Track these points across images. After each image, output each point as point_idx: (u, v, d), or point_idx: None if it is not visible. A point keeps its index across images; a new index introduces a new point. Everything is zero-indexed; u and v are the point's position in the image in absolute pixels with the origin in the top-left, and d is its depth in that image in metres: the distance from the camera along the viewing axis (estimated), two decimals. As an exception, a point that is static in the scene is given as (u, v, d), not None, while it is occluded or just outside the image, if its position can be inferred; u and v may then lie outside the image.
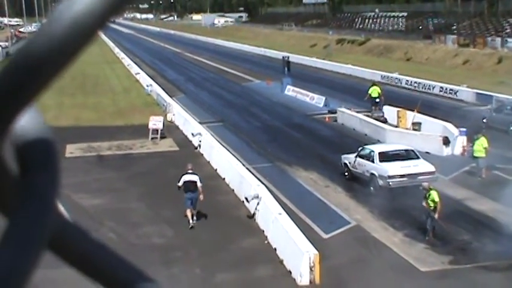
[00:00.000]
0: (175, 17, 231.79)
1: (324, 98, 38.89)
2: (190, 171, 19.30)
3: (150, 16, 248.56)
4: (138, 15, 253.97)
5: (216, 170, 24.46)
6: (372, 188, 21.44)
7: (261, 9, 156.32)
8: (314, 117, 35.64)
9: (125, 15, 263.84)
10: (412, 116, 30.72)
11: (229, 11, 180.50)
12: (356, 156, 22.56)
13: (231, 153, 25.19)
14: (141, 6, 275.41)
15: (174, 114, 34.65)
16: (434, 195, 17.52)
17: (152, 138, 29.79)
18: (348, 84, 48.61)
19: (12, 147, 0.52)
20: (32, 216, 0.48)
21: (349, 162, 22.96)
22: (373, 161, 21.67)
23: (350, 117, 32.52)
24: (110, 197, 21.60)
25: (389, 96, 35.82)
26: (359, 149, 22.94)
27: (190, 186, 18.85)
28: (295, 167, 25.02)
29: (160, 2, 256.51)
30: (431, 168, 21.23)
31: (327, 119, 34.12)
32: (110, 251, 0.64)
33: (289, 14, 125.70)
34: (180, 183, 18.93)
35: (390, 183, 20.76)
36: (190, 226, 18.54)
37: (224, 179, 23.19)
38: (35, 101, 0.49)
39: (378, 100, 34.51)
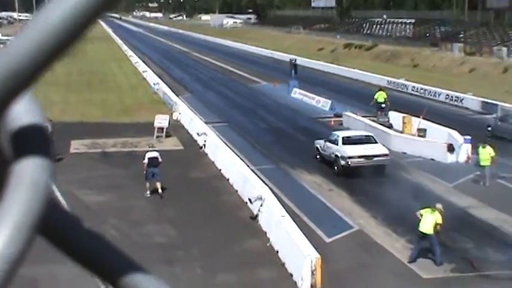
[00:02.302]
0: (184, 16, 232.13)
1: (330, 102, 38.88)
2: (151, 149, 23.13)
3: (160, 15, 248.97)
4: (147, 14, 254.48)
5: (220, 170, 24.45)
6: (335, 167, 24.60)
7: (269, 12, 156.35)
8: (320, 120, 35.62)
9: (135, 14, 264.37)
10: (417, 122, 30.67)
11: (238, 12, 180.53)
12: (325, 141, 25.89)
13: (235, 153, 25.18)
14: (150, 5, 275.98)
15: (180, 113, 34.66)
16: (438, 217, 16.46)
17: (157, 137, 29.80)
18: (355, 88, 48.57)
19: (7, 132, 0.53)
20: (23, 201, 0.48)
21: (320, 146, 26.20)
22: (337, 144, 24.93)
23: (355, 121, 32.48)
24: (113, 194, 21.60)
25: (395, 102, 35.78)
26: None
27: (153, 161, 21.64)
28: (299, 170, 24.99)
29: (170, 2, 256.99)
30: (385, 151, 24.72)
31: (332, 123, 34.10)
32: (104, 241, 0.64)
33: (298, 17, 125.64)
34: (145, 160, 21.74)
35: (350, 163, 24.03)
36: (147, 195, 21.31)
37: (228, 179, 23.17)
38: (30, 87, 0.49)
39: (383, 105, 34.50)
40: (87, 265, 0.63)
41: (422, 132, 29.85)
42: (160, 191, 21.34)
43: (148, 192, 21.46)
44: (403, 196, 20.66)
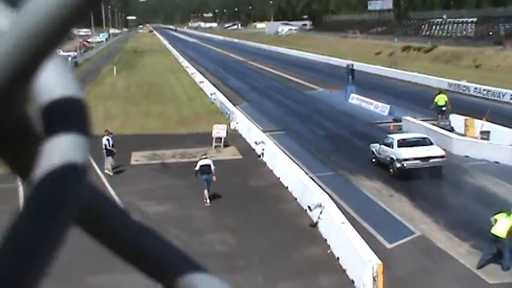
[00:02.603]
0: (239, 25, 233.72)
1: (388, 107, 38.42)
2: (204, 157, 22.94)
3: (214, 25, 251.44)
4: (202, 24, 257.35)
5: (279, 178, 24.42)
6: (391, 170, 24.69)
7: (325, 17, 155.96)
8: (378, 125, 35.22)
9: (190, 24, 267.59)
10: (480, 125, 30.01)
11: (293, 19, 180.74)
12: (380, 144, 26.01)
13: (294, 161, 25.12)
14: (205, 15, 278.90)
15: (237, 123, 34.81)
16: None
17: (216, 147, 29.99)
18: (414, 92, 47.89)
19: (37, 105, 0.49)
20: (55, 183, 0.44)
21: (375, 150, 26.32)
22: (392, 147, 25.04)
23: (415, 125, 31.97)
24: (173, 204, 21.83)
25: (456, 104, 35.11)
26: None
27: (205, 169, 22.01)
28: (358, 176, 24.76)
29: (224, 11, 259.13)
30: (442, 152, 24.67)
31: (391, 128, 33.67)
32: (156, 234, 0.57)
33: (354, 21, 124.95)
34: (197, 168, 22.16)
35: (405, 165, 24.11)
36: (207, 204, 21.59)
37: (287, 187, 23.12)
38: (56, 50, 0.46)
39: (444, 108, 33.91)
40: (136, 262, 0.56)
41: (485, 135, 29.19)
42: (208, 200, 21.79)
43: (207, 200, 21.78)
44: (466, 200, 20.24)
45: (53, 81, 0.48)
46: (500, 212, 16.31)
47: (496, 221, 16.07)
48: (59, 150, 0.45)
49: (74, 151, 0.46)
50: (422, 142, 25.47)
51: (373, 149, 26.61)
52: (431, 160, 24.20)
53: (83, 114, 0.49)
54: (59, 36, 0.44)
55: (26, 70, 0.44)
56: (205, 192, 21.80)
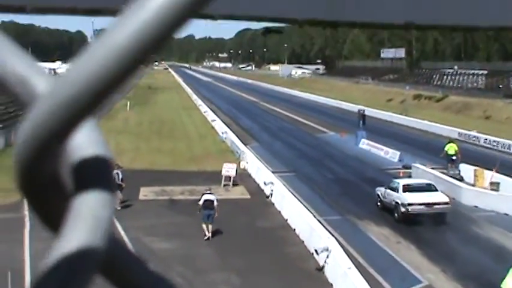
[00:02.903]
0: (253, 66, 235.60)
1: (398, 153, 38.43)
2: (208, 192, 23.35)
3: (229, 65, 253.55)
4: (217, 64, 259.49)
5: (286, 220, 24.37)
6: (396, 214, 24.98)
7: (338, 62, 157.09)
8: (388, 171, 35.16)
9: (205, 64, 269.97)
10: (490, 176, 29.93)
11: (306, 62, 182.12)
12: (386, 188, 26.44)
13: (302, 204, 25.09)
14: (220, 55, 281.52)
15: (247, 162, 34.88)
16: None
17: (225, 185, 30.02)
18: (424, 140, 47.90)
19: (68, 164, 0.52)
20: (83, 236, 0.47)
21: (381, 194, 26.77)
22: (397, 191, 25.46)
23: (425, 173, 31.90)
24: (179, 241, 21.78)
25: (466, 154, 35.07)
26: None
27: (208, 204, 22.32)
28: (366, 221, 24.68)
29: (239, 52, 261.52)
30: (446, 199, 24.89)
31: (401, 174, 33.60)
32: (171, 284, 0.61)
33: (366, 68, 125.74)
34: (201, 202, 22.54)
35: (409, 210, 24.41)
36: (206, 238, 21.86)
37: (294, 229, 23.05)
38: (92, 115, 0.48)
39: (454, 158, 33.88)
40: None
41: (495, 186, 29.09)
42: (209, 234, 22.08)
43: (207, 233, 22.08)
44: (475, 251, 20.11)
45: (84, 141, 0.51)
46: None
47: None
48: (88, 206, 0.48)
49: (101, 207, 0.48)
50: (427, 188, 25.86)
51: (379, 193, 27.05)
52: (435, 206, 24.50)
53: (109, 173, 0.53)
54: (95, 106, 0.46)
55: (60, 134, 0.46)
56: (204, 226, 22.13)
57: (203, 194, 23.32)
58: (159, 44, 0.45)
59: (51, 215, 0.50)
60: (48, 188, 0.50)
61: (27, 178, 0.48)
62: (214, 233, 22.46)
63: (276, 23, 0.85)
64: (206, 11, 0.84)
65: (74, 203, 0.48)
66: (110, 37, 0.44)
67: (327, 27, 0.89)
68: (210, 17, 0.82)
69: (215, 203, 22.58)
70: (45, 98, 0.46)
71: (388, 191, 26.22)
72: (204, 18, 0.83)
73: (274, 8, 0.82)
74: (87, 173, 0.51)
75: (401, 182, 26.74)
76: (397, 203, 25.14)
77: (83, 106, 0.45)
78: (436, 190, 25.76)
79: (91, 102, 0.45)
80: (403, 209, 24.69)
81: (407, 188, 25.59)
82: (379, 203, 26.84)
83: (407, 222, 24.10)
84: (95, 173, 0.51)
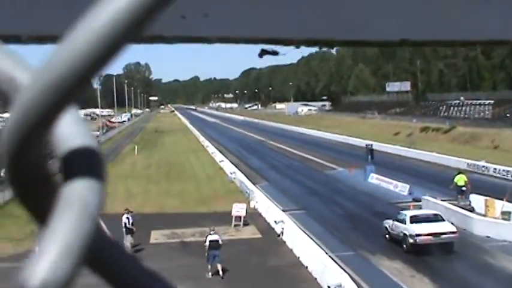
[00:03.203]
0: (259, 106, 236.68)
1: (408, 186, 38.28)
2: (213, 232, 23.49)
3: (235, 105, 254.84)
4: (223, 105, 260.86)
5: (298, 258, 24.20)
6: (404, 246, 25.22)
7: (344, 98, 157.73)
8: (398, 205, 34.96)
9: (211, 105, 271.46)
10: (501, 205, 29.74)
11: (312, 99, 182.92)
12: (393, 220, 26.72)
13: (313, 240, 24.94)
14: (226, 95, 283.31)
15: (257, 202, 34.79)
16: None
17: (235, 225, 29.91)
18: (433, 172, 47.75)
19: (56, 154, 0.52)
20: (72, 224, 0.47)
21: (389, 226, 27.02)
22: (405, 223, 25.78)
23: (435, 205, 31.71)
24: (192, 285, 21.60)
25: (476, 184, 34.91)
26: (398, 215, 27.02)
27: (214, 244, 22.65)
28: (378, 256, 24.50)
29: (245, 92, 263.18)
30: (453, 229, 25.13)
31: (411, 207, 33.42)
32: (159, 277, 0.60)
33: (372, 102, 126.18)
34: (207, 243, 22.86)
35: (417, 240, 24.68)
36: (209, 277, 22.22)
37: (307, 267, 22.88)
38: (74, 101, 0.48)
39: (464, 188, 33.73)
40: None
41: (506, 215, 28.87)
42: (221, 272, 22.33)
43: (210, 273, 22.42)
44: (489, 282, 19.86)
45: (69, 132, 0.51)
46: None
47: None
48: (77, 194, 0.48)
49: (90, 194, 0.48)
50: (434, 218, 26.25)
51: (386, 225, 27.38)
52: (443, 236, 24.77)
53: (98, 161, 0.52)
54: (76, 92, 0.46)
55: (43, 123, 0.47)
56: (209, 266, 22.62)
57: (208, 235, 23.68)
58: (139, 26, 0.45)
59: (40, 206, 0.50)
60: (35, 179, 0.50)
61: (14, 169, 0.48)
62: (226, 272, 22.33)
63: (272, 44, 0.85)
64: (201, 35, 0.85)
65: (62, 192, 0.48)
66: (88, 22, 0.44)
67: (323, 46, 0.89)
68: (206, 41, 0.82)
69: (220, 242, 22.98)
70: (26, 88, 0.46)
71: (396, 223, 26.52)
72: (200, 42, 0.83)
73: (270, 29, 0.82)
74: (75, 162, 0.51)
75: (409, 213, 27.08)
76: (405, 234, 25.52)
77: (63, 92, 0.45)
78: (443, 220, 26.15)
79: (71, 87, 0.45)
80: (411, 240, 25.00)
81: (415, 219, 25.98)
82: (387, 235, 27.07)
83: (417, 253, 24.25)
84: (83, 162, 0.51)
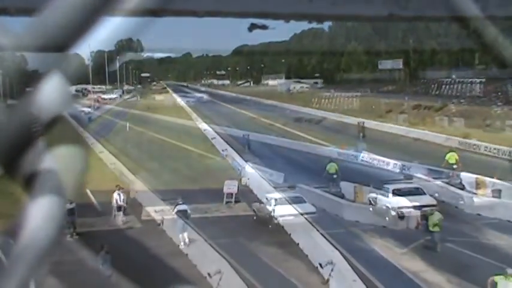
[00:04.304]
0: (251, 82, 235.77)
1: (399, 163, 38.37)
2: (181, 202, 25.11)
3: (227, 82, 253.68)
4: (215, 81, 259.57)
5: (290, 234, 24.31)
6: (386, 218, 26.08)
7: (337, 76, 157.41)
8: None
9: (203, 82, 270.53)
10: (491, 183, 29.88)
11: (304, 77, 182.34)
12: (377, 194, 27.89)
13: (306, 219, 25.05)
14: (218, 72, 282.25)
15: (248, 179, 34.82)
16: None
17: (227, 202, 29.95)
18: (425, 150, 47.83)
19: (39, 123, 0.55)
20: (54, 186, 0.52)
21: (372, 199, 28.10)
22: (388, 196, 27.12)
23: (427, 183, 31.85)
24: (184, 261, 21.72)
25: (467, 163, 35.02)
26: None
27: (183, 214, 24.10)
28: (369, 234, 24.66)
29: (237, 69, 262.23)
30: (433, 202, 26.43)
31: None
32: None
33: (365, 79, 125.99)
34: (175, 211, 24.62)
35: (399, 213, 25.96)
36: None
37: (298, 244, 22.99)
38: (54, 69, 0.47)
39: (455, 166, 33.86)
40: None
41: (497, 193, 29.03)
42: (187, 240, 23.15)
43: (182, 243, 23.23)
44: (477, 259, 20.04)
45: (51, 101, 0.50)
46: (498, 274, 16.11)
47: (496, 283, 15.86)
48: (59, 160, 0.48)
49: (72, 159, 0.47)
50: (416, 192, 27.55)
51: (370, 199, 28.45)
52: (424, 209, 25.75)
53: (77, 127, 0.51)
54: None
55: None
56: (180, 236, 23.36)
57: (177, 205, 25.02)
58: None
59: (28, 179, 0.50)
60: (21, 150, 0.52)
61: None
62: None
63: (261, 18, 0.85)
64: (191, 8, 0.85)
65: (45, 160, 0.48)
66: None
67: (312, 20, 0.89)
68: (195, 14, 0.83)
69: (188, 211, 24.53)
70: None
71: (380, 196, 27.70)
72: (189, 15, 0.83)
73: (258, 3, 0.82)
74: (57, 130, 0.51)
75: (390, 187, 28.27)
76: (387, 206, 26.74)
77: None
78: (424, 194, 27.49)
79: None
80: (393, 213, 26.22)
81: (397, 192, 27.36)
82: (371, 208, 27.83)
83: (397, 225, 25.44)
84: (65, 130, 0.49)
